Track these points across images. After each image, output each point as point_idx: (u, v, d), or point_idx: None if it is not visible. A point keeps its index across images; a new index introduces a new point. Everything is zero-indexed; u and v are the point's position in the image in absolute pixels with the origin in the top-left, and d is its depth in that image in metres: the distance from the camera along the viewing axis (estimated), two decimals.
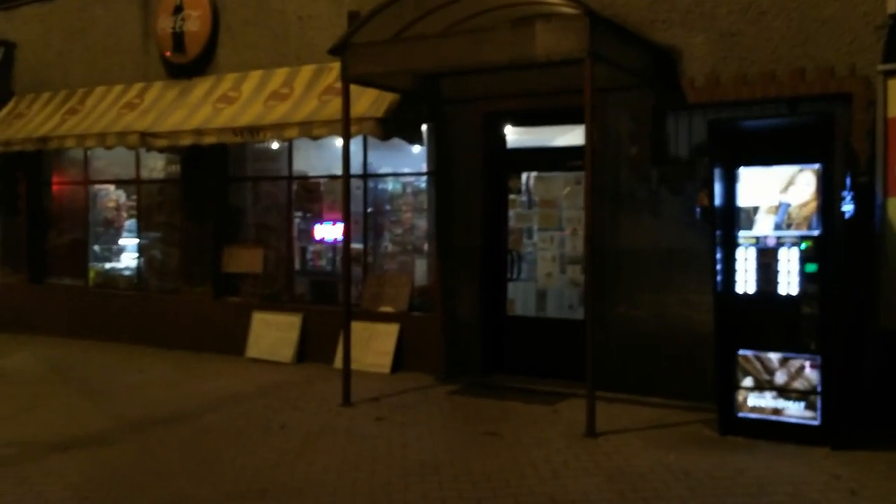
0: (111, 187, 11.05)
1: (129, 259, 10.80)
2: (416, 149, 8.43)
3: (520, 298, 8.26)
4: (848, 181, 5.89)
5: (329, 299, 9.16)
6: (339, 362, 8.39)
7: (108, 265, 11.00)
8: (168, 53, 9.71)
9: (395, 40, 6.93)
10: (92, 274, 10.94)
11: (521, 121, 8.18)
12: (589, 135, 6.09)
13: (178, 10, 9.52)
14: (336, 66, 8.29)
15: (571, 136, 7.97)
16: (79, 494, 4.91)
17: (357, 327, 7.90)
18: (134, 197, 10.66)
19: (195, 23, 9.43)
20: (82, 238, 11.06)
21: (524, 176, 8.23)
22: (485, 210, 8.13)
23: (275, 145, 9.26)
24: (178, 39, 9.55)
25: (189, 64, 9.58)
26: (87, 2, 10.59)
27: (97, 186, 11.08)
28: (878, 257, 6.00)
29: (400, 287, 8.71)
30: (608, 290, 7.27)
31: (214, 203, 9.70)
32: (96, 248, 11.09)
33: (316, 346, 8.87)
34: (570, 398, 7.01)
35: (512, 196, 8.25)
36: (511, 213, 8.23)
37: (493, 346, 8.16)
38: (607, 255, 7.27)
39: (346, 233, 7.25)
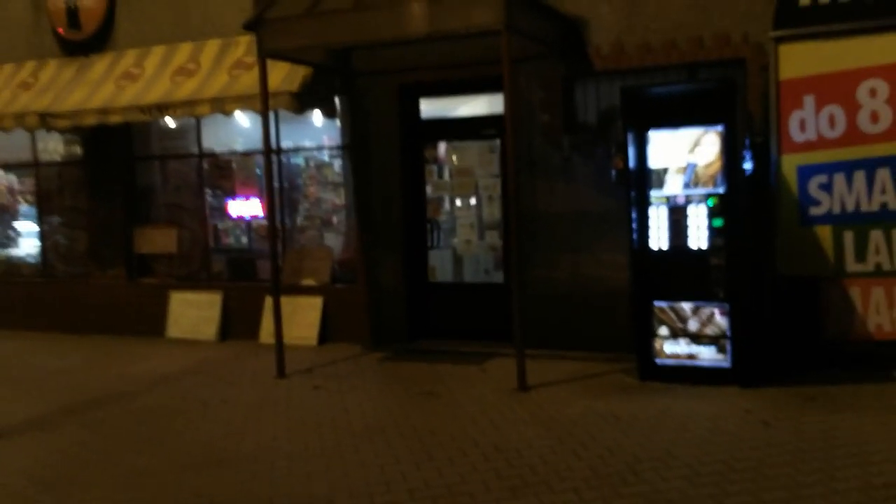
0: (8, 173, 10.49)
1: (30, 245, 10.33)
2: (325, 122, 8.47)
3: (440, 265, 8.51)
4: (747, 141, 6.42)
5: (247, 276, 9.14)
6: (264, 337, 8.50)
7: (9, 252, 10.49)
8: (62, 30, 9.29)
9: (309, 14, 6.94)
10: None
11: (435, 91, 8.33)
12: (508, 104, 6.35)
13: None
14: (244, 40, 8.27)
15: (484, 105, 8.23)
16: (34, 477, 4.88)
17: (280, 302, 7.93)
18: (31, 180, 10.18)
19: None
20: None
21: (441, 146, 8.43)
22: (403, 180, 8.29)
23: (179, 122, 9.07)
24: (73, 15, 9.15)
25: (86, 40, 9.21)
26: None
27: None
28: (774, 210, 6.57)
29: (320, 260, 8.79)
30: (526, 254, 7.60)
31: (121, 183, 9.43)
32: None
33: (238, 322, 8.86)
34: (496, 357, 7.34)
35: (429, 166, 8.45)
36: (428, 182, 8.43)
37: (418, 312, 8.39)
38: (525, 219, 7.57)
39: (271, 208, 7.28)
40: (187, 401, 6.50)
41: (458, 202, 8.43)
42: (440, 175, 8.49)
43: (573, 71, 7.51)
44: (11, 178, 10.60)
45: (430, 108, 8.52)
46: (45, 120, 8.63)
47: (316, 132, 8.88)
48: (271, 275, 7.41)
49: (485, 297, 8.14)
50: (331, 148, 8.89)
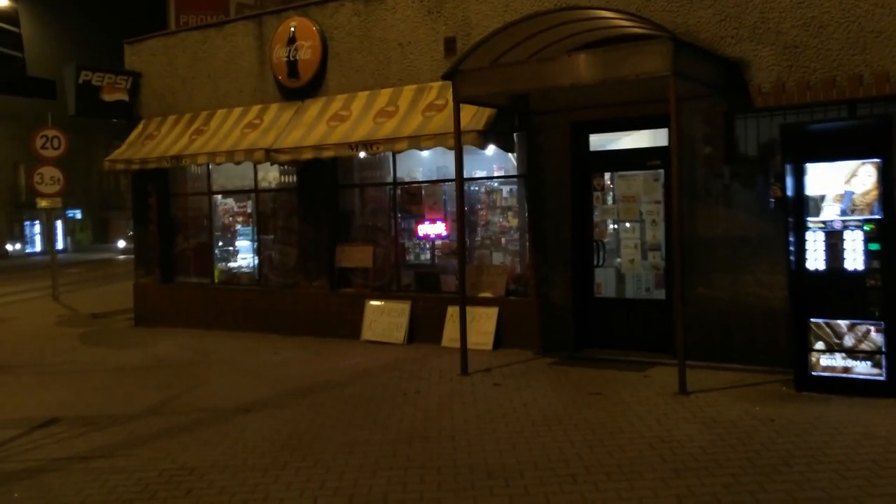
0: (229, 198, 12.42)
1: (249, 259, 12.17)
2: (495, 153, 9.52)
3: (604, 282, 9.35)
4: None
5: (432, 288, 10.37)
6: (445, 341, 9.66)
7: (230, 265, 12.42)
8: (282, 78, 11.02)
9: (496, 66, 8.08)
10: (217, 273, 12.37)
11: (603, 128, 9.22)
12: (675, 140, 7.19)
13: (292, 41, 10.84)
14: (436, 86, 9.56)
15: (647, 137, 9.03)
16: (277, 442, 6.16)
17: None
18: (251, 204, 12.01)
19: (307, 52, 10.74)
20: (207, 242, 12.50)
21: (607, 175, 9.30)
22: (572, 206, 9.22)
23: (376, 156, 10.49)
24: (292, 66, 10.86)
25: (302, 87, 10.88)
26: (209, 34, 12.01)
27: (217, 196, 12.47)
28: None
29: (497, 275, 9.86)
30: (687, 274, 8.26)
31: (327, 207, 10.98)
32: (218, 250, 12.50)
33: (423, 328, 10.08)
34: (657, 366, 8.07)
35: (596, 193, 9.33)
36: (596, 207, 9.31)
37: (583, 324, 9.25)
38: (686, 242, 8.26)
39: (461, 229, 8.46)
40: (388, 390, 7.72)
41: (623, 225, 9.24)
42: (606, 201, 9.34)
43: (734, 107, 8.15)
44: (230, 203, 12.53)
45: (597, 140, 9.42)
46: (270, 154, 10.34)
47: (487, 162, 10.01)
48: (459, 286, 8.55)
49: (646, 311, 8.90)
50: (503, 177, 9.97)
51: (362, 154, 9.91)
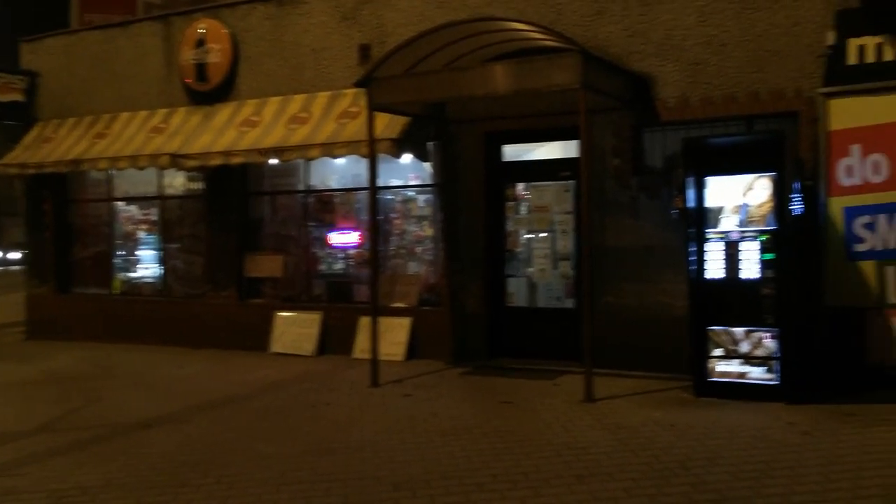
0: (133, 204, 11.94)
1: (153, 268, 11.72)
2: (412, 162, 9.52)
3: (517, 292, 9.43)
4: (797, 185, 7.18)
5: (344, 298, 10.23)
6: (357, 352, 9.54)
7: (132, 274, 11.92)
8: (190, 82, 10.70)
9: (411, 74, 8.07)
10: (117, 283, 11.86)
11: (517, 139, 9.34)
12: (585, 151, 7.32)
13: (201, 43, 10.56)
14: (349, 93, 9.47)
15: (560, 149, 9.17)
16: (178, 458, 5.90)
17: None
18: (155, 211, 11.58)
19: (217, 55, 10.47)
20: (107, 250, 11.98)
21: (520, 185, 9.40)
22: (486, 215, 9.28)
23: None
24: (201, 69, 10.57)
25: (211, 91, 10.60)
26: (112, 34, 11.55)
27: (119, 203, 11.97)
28: (822, 246, 7.28)
29: (410, 285, 9.83)
30: (597, 283, 8.41)
31: (237, 215, 10.71)
32: (120, 259, 11.99)
33: (334, 340, 9.93)
34: (566, 374, 8.18)
35: (509, 203, 9.42)
36: (509, 217, 9.40)
37: (496, 333, 9.30)
38: (595, 252, 8.41)
39: (373, 239, 8.38)
40: (297, 403, 7.54)
41: (535, 235, 9.35)
42: (520, 211, 9.44)
43: (642, 121, 8.39)
44: (133, 210, 12.04)
45: (511, 151, 9.53)
46: (176, 160, 10.00)
47: (403, 170, 9.98)
48: (371, 296, 8.45)
49: (557, 321, 9.02)
50: (418, 186, 9.95)
51: (273, 161, 9.70)
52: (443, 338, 9.32)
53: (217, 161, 9.75)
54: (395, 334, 9.50)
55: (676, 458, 5.49)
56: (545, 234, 9.30)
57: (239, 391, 8.11)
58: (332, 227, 10.38)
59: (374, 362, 8.20)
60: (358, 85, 8.20)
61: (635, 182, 8.44)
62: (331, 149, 9.03)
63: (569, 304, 9.08)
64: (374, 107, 8.14)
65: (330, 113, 9.56)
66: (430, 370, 8.82)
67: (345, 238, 10.27)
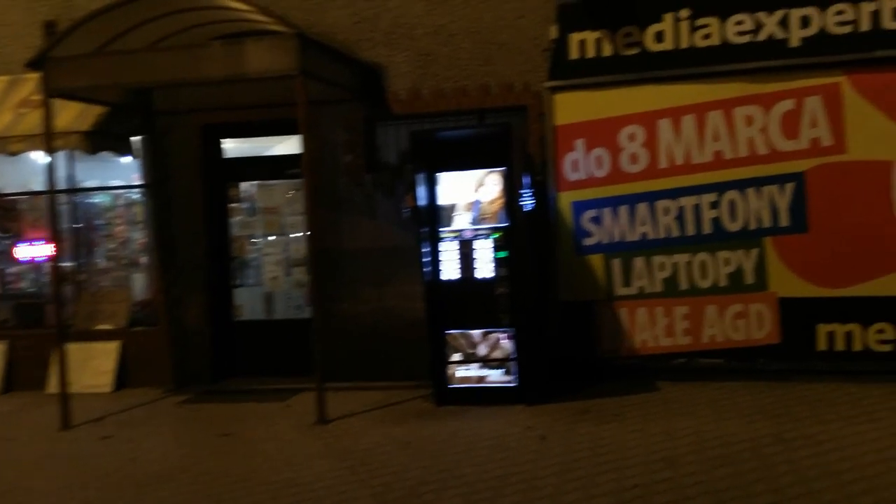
0: None
1: None
2: (128, 161, 8.24)
3: (248, 303, 8.45)
4: (528, 180, 6.97)
5: (36, 323, 8.58)
6: (52, 387, 7.98)
7: None
8: None
9: (100, 54, 6.81)
10: None
11: (238, 132, 8.36)
12: (306, 146, 6.53)
13: None
14: (33, 78, 7.84)
15: (289, 145, 8.35)
16: None
17: (72, 349, 7.45)
18: None
19: None
20: None
21: (246, 184, 8.43)
22: (206, 219, 8.20)
23: None
24: None
25: None
26: None
27: None
28: (554, 242, 7.16)
29: (118, 303, 8.45)
30: (333, 288, 7.73)
31: None
32: None
33: (25, 373, 8.30)
34: (302, 392, 7.35)
35: (233, 204, 8.41)
36: (234, 220, 8.39)
37: (224, 352, 8.25)
38: (331, 255, 7.73)
39: (57, 251, 6.97)
40: None
41: (265, 240, 8.44)
42: (246, 213, 8.47)
43: (374, 114, 7.83)
44: None
45: (234, 147, 8.53)
46: None
47: (123, 170, 8.57)
48: (57, 320, 7.05)
49: (293, 332, 8.13)
50: (124, 187, 8.61)
51: None
52: (161, 361, 8.08)
53: None
54: (100, 362, 8.11)
55: (409, 483, 4.91)
56: (276, 238, 8.42)
57: None
58: (20, 239, 8.68)
59: (65, 399, 6.80)
60: (31, 66, 6.75)
61: (369, 179, 7.86)
62: (4, 143, 7.45)
63: (307, 313, 8.25)
64: (53, 93, 6.75)
65: (7, 101, 7.93)
66: (143, 401, 7.57)
67: (35, 251, 8.61)
